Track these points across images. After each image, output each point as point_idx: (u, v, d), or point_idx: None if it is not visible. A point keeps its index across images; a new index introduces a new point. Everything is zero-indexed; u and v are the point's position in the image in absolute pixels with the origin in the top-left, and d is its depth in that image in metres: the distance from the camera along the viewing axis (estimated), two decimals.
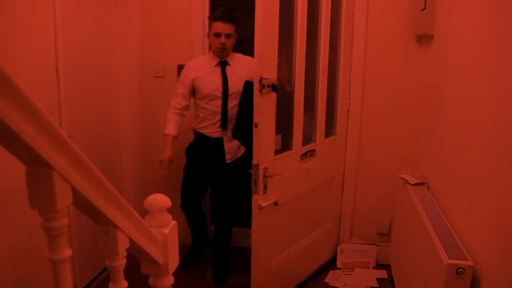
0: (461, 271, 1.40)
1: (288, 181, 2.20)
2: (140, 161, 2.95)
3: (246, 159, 2.50)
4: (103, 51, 2.58)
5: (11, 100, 0.58)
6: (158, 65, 2.84)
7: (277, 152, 2.12)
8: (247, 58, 2.50)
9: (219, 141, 2.44)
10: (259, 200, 2.01)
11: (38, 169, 0.70)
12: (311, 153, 2.42)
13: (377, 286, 2.55)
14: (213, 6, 2.86)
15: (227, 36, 2.34)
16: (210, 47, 2.51)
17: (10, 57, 1.77)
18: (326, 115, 2.49)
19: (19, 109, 0.60)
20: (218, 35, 2.33)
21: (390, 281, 2.46)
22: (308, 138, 2.39)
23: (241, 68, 2.42)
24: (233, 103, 2.40)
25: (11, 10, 1.77)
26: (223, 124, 2.41)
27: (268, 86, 1.91)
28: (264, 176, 1.99)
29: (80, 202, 0.81)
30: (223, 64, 2.41)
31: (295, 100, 2.23)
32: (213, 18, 2.35)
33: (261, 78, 1.87)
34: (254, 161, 1.95)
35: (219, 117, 2.42)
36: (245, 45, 4.66)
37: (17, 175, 0.81)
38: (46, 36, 1.99)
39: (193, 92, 2.47)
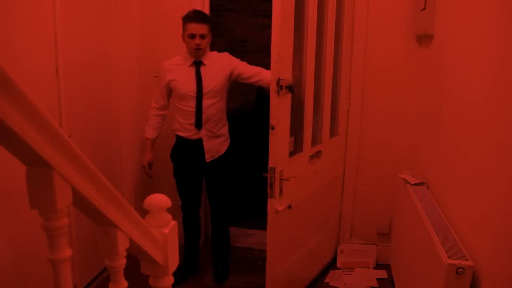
0: (461, 271, 1.40)
1: (300, 183, 2.18)
2: (140, 161, 2.94)
3: (230, 157, 2.55)
4: (103, 51, 2.58)
5: (11, 100, 0.59)
6: (158, 65, 2.84)
7: (289, 154, 2.11)
8: (222, 55, 2.49)
9: (199, 141, 2.44)
10: (276, 204, 1.97)
11: (38, 169, 0.70)
12: (318, 154, 2.41)
13: (377, 286, 2.55)
14: (213, 6, 2.86)
15: (202, 36, 2.32)
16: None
17: (10, 57, 1.77)
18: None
19: (19, 109, 0.60)
20: (192, 36, 2.31)
21: (390, 281, 2.46)
22: (313, 139, 2.38)
23: (215, 66, 2.42)
24: (208, 102, 2.39)
25: (11, 10, 1.77)
26: (198, 123, 2.41)
27: (286, 87, 1.89)
28: (281, 179, 1.96)
29: (80, 202, 0.81)
30: (197, 64, 2.40)
31: (305, 102, 2.21)
32: (186, 19, 2.33)
33: (279, 79, 1.84)
34: (271, 164, 1.91)
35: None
36: (245, 45, 4.69)
37: (17, 175, 0.81)
38: (46, 36, 1.99)
39: (170, 92, 2.48)
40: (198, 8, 2.59)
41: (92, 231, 0.96)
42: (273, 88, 1.86)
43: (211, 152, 2.47)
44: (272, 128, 1.89)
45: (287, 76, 1.91)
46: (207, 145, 2.45)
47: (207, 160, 2.47)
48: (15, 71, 0.58)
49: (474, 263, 1.42)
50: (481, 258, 1.43)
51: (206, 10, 2.75)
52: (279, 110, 1.90)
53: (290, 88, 1.92)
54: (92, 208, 0.83)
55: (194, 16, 2.31)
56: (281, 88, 1.86)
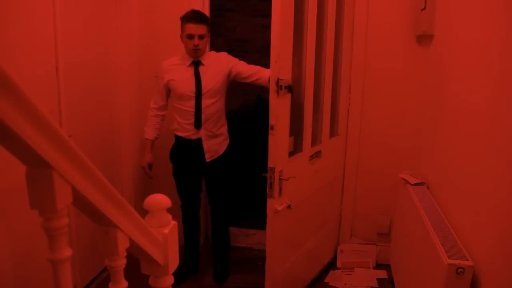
0: (461, 271, 1.40)
1: (299, 183, 2.18)
2: (140, 161, 2.94)
3: (229, 157, 2.56)
4: (103, 51, 2.58)
5: (11, 100, 0.59)
6: (158, 65, 2.84)
7: (289, 154, 2.10)
8: (220, 54, 2.49)
9: (198, 141, 2.45)
10: (275, 204, 1.97)
11: (38, 169, 0.70)
12: (317, 154, 2.41)
13: (377, 286, 2.55)
14: (213, 6, 2.86)
15: (200, 37, 2.31)
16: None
17: (10, 57, 1.77)
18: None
19: (19, 109, 0.60)
20: (191, 36, 2.30)
21: (390, 281, 2.46)
22: (313, 139, 2.37)
23: (214, 65, 2.42)
24: (207, 102, 2.39)
25: (11, 10, 1.77)
26: (197, 123, 2.41)
27: (285, 87, 1.88)
28: (280, 179, 1.96)
29: (80, 202, 0.81)
30: (196, 64, 2.40)
31: (305, 102, 2.21)
32: (185, 19, 2.32)
33: (278, 79, 1.84)
34: (270, 164, 1.91)
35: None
36: (245, 45, 4.69)
37: (17, 175, 0.81)
38: (46, 36, 1.99)
39: (169, 92, 2.48)
40: (198, 8, 2.59)
41: (92, 231, 0.96)
42: (272, 88, 1.85)
43: (210, 152, 2.47)
44: (272, 128, 1.89)
45: (287, 76, 1.91)
46: (206, 145, 2.45)
47: (207, 160, 2.47)
48: (15, 71, 0.58)
49: (474, 263, 1.42)
50: (481, 258, 1.43)
51: (206, 10, 2.75)
52: (279, 110, 1.89)
53: (289, 88, 1.92)
54: (92, 208, 0.83)
55: (192, 17, 2.31)
56: (281, 88, 1.86)
